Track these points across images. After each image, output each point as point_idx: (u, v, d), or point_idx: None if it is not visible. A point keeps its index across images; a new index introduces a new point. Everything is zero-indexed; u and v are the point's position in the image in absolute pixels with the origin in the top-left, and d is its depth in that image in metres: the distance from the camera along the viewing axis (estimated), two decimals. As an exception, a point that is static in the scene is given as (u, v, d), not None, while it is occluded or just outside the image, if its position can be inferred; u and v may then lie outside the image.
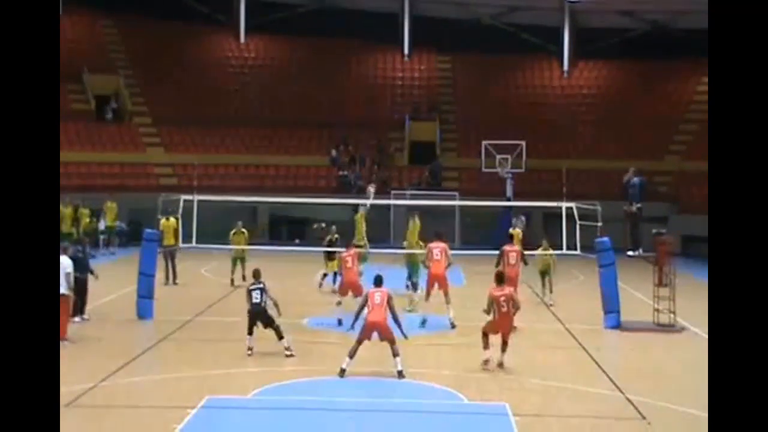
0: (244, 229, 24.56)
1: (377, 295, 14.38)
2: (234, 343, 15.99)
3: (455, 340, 17.50)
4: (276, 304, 15.81)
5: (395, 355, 14.15)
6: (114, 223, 33.63)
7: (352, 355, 14.17)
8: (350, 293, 18.62)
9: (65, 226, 31.43)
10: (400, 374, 14.07)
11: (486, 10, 48.05)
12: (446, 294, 18.92)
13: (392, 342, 14.24)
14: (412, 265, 21.58)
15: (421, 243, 21.95)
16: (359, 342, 14.26)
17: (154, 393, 13.41)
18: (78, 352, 15.61)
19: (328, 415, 12.25)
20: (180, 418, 11.64)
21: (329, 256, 22.73)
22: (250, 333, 15.72)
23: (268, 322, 15.67)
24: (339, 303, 18.80)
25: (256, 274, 16.03)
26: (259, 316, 15.64)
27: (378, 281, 14.81)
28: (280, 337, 15.62)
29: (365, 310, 14.41)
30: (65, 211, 32.03)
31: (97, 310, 20.01)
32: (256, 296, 15.67)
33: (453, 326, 18.46)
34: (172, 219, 22.93)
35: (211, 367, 14.75)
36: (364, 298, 14.74)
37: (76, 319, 18.35)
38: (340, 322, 18.02)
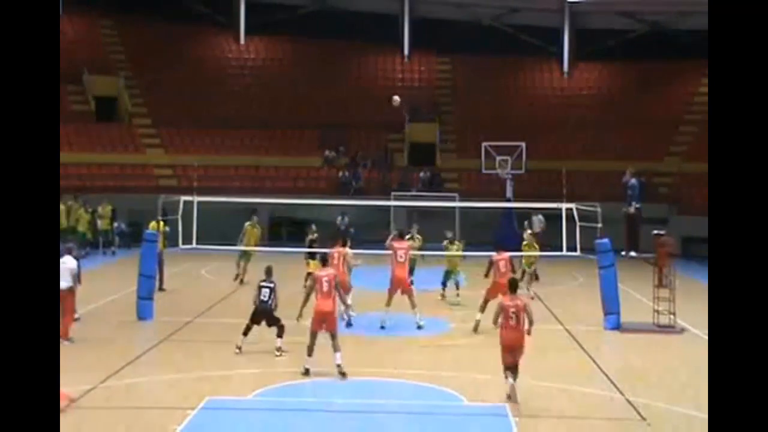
0: (257, 225, 24.52)
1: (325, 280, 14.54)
2: (234, 344, 15.98)
3: (455, 342, 17.50)
4: (276, 306, 15.98)
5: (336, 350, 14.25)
6: (108, 226, 33.48)
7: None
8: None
9: (81, 226, 31.50)
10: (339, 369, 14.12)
11: (486, 12, 48.03)
12: (410, 297, 18.58)
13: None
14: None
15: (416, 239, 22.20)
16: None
17: (154, 394, 13.42)
18: (78, 352, 15.61)
19: (328, 416, 12.25)
20: (180, 419, 11.65)
21: (311, 256, 22.65)
22: (246, 333, 15.89)
23: (273, 320, 15.84)
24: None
25: (269, 272, 16.12)
26: (264, 313, 15.81)
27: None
28: (279, 336, 15.73)
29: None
30: (80, 212, 32.07)
31: (98, 310, 20.03)
32: (265, 294, 15.83)
33: (419, 327, 18.22)
34: (161, 222, 22.24)
35: (211, 368, 14.75)
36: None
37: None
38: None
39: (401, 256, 18.77)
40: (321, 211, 32.05)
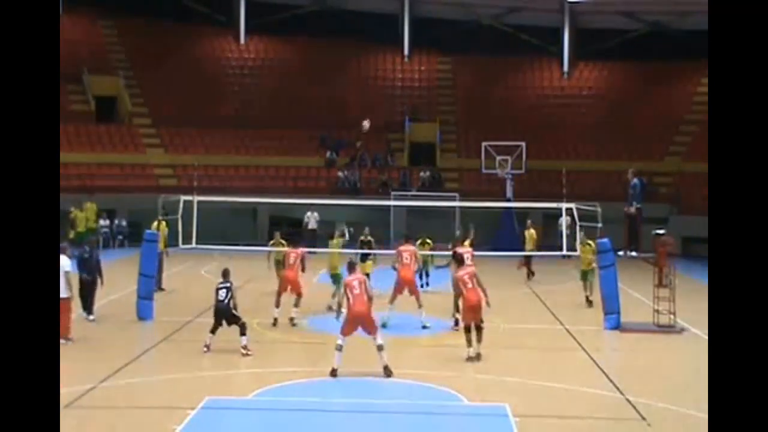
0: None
1: (355, 283, 14.33)
2: (234, 344, 15.97)
3: (455, 341, 17.47)
4: (235, 306, 16.14)
5: (380, 348, 14.18)
6: (94, 225, 33.46)
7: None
8: (289, 290, 19.02)
9: (80, 227, 31.61)
10: (386, 370, 14.10)
11: (486, 11, 48.05)
12: (417, 298, 19.01)
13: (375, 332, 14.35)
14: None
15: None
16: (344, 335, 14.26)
17: (153, 394, 13.41)
18: (78, 352, 15.62)
19: (328, 416, 12.25)
20: (180, 419, 11.64)
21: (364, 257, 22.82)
22: (213, 332, 16.05)
23: (233, 319, 16.02)
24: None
25: (225, 274, 16.39)
26: (222, 313, 16.03)
27: (351, 268, 14.89)
28: (243, 334, 15.83)
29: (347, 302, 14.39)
30: (79, 213, 32.18)
31: (97, 311, 19.96)
32: (222, 294, 16.11)
33: (425, 327, 18.57)
34: (163, 222, 22.09)
35: (210, 368, 14.76)
36: (343, 288, 14.74)
37: (83, 314, 18.95)
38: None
39: (407, 258, 19.27)
40: (322, 211, 32.09)
